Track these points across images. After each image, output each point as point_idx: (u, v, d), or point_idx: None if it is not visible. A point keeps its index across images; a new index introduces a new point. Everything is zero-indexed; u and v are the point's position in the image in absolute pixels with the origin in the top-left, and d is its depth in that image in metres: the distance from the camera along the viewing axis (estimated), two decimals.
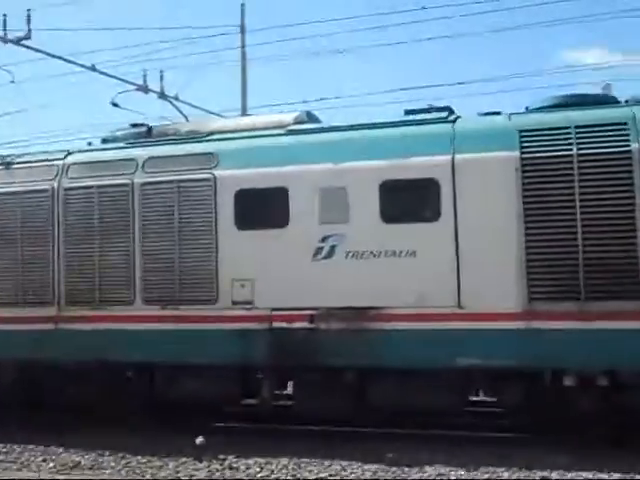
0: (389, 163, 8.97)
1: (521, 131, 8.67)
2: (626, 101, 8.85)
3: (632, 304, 8.11)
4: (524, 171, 8.48)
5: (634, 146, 8.19)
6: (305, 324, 9.11)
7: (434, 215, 8.78)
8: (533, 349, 8.35)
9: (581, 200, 8.28)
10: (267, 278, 9.26)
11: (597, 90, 10.14)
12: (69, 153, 10.77)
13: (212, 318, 9.44)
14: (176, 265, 9.64)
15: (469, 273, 8.58)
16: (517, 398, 8.73)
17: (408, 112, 9.92)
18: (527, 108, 9.42)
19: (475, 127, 9.07)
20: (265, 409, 9.80)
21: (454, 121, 9.13)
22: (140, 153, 10.15)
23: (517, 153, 8.53)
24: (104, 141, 11.14)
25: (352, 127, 9.54)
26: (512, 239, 8.45)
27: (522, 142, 8.59)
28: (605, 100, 9.25)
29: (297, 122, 10.06)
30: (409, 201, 8.97)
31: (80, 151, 10.90)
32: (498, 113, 9.37)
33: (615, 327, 8.14)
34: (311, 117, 10.50)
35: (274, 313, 9.21)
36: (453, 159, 8.74)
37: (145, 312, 9.74)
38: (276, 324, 9.19)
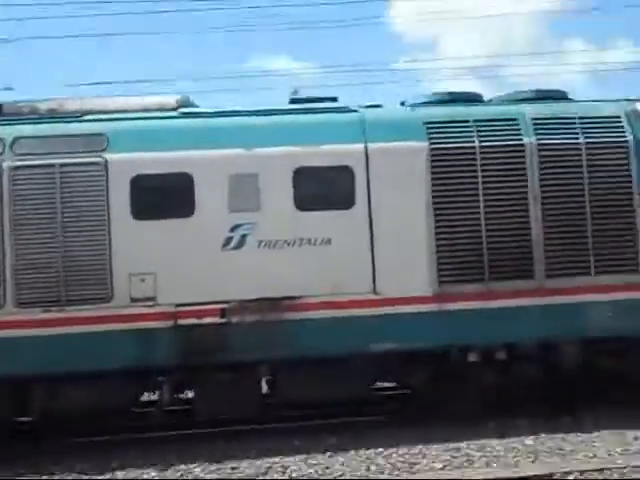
0: (303, 150, 8.82)
1: (427, 123, 9.09)
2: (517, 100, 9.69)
3: (527, 283, 8.99)
4: (432, 161, 8.92)
5: (526, 140, 9.05)
6: (215, 319, 8.57)
7: (349, 203, 8.83)
8: (444, 330, 8.83)
9: (483, 189, 8.95)
10: (171, 271, 8.51)
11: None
12: None
13: (106, 318, 8.45)
14: (59, 260, 8.44)
15: (383, 259, 8.78)
16: (425, 379, 9.16)
17: (294, 101, 9.85)
18: (403, 103, 9.86)
19: (385, 117, 9.29)
20: (160, 415, 9.08)
21: (365, 110, 9.26)
22: (7, 132, 8.68)
23: (426, 144, 8.95)
24: None
25: (263, 112, 9.18)
26: (423, 226, 8.84)
27: (429, 133, 9.02)
28: (475, 98, 10.08)
29: (181, 105, 9.38)
30: (324, 188, 8.89)
31: None
32: (379, 105, 9.69)
33: (513, 304, 8.95)
34: (190, 101, 9.84)
35: (180, 309, 8.50)
36: (366, 147, 8.88)
37: (19, 317, 8.39)
38: (182, 321, 8.51)
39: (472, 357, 9.02)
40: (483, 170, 8.94)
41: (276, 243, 8.66)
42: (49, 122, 8.82)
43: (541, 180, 9.01)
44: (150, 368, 8.64)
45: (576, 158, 9.11)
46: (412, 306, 8.77)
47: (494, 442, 8.13)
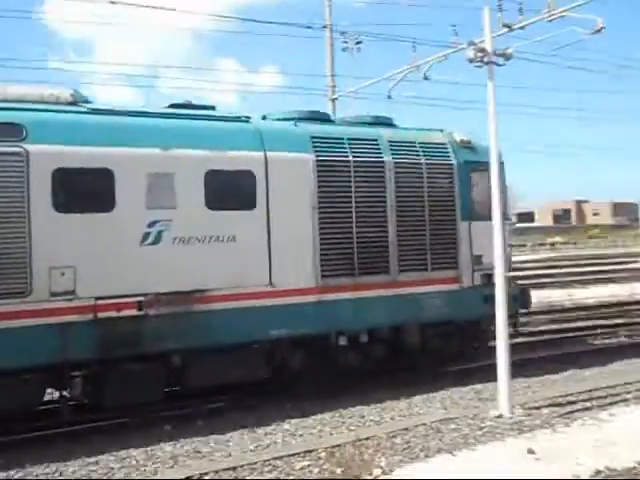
0: (213, 154, 9.59)
1: (313, 137, 10.52)
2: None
3: (384, 277, 10.92)
4: (318, 171, 10.36)
5: (385, 157, 10.97)
6: (133, 311, 8.95)
7: (251, 204, 9.87)
8: (325, 317, 10.34)
9: (355, 197, 10.64)
10: (91, 265, 8.70)
11: None
12: None
13: (24, 313, 8.27)
14: None
15: (278, 256, 10.02)
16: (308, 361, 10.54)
17: (173, 105, 10.36)
18: (264, 117, 11.16)
19: (278, 130, 10.45)
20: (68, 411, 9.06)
21: (260, 122, 10.35)
22: None
23: (313, 155, 10.37)
24: None
25: (177, 115, 9.72)
26: (309, 227, 10.34)
27: (315, 147, 10.44)
28: (326, 117, 11.85)
29: (75, 99, 9.37)
30: (230, 190, 9.72)
31: None
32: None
33: (374, 295, 10.81)
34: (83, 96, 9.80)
35: (99, 302, 8.72)
36: (265, 155, 9.97)
37: None
38: (102, 314, 8.73)
39: (342, 341, 10.68)
40: (355, 181, 10.63)
41: (189, 239, 9.34)
42: None
43: (396, 192, 11.03)
44: (69, 362, 8.69)
45: (419, 175, 11.32)
46: (300, 297, 10.13)
47: (134, 452, 8.30)
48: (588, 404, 9.88)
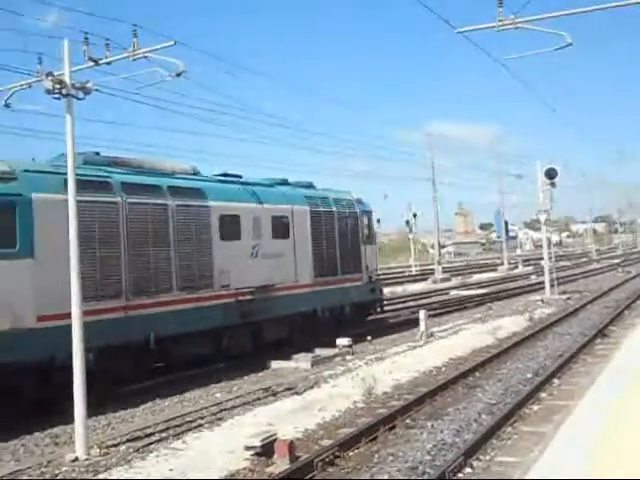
0: (274, 206, 17.58)
1: (306, 197, 18.80)
2: None
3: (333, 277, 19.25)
4: (311, 216, 18.62)
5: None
6: (250, 297, 15.74)
7: (287, 235, 17.59)
8: (315, 300, 18.48)
9: (322, 232, 19.11)
10: (234, 270, 15.49)
11: None
12: None
13: (211, 297, 14.82)
14: None
15: (298, 264, 17.97)
16: None
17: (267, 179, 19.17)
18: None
19: (294, 193, 19.04)
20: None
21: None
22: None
23: (308, 207, 18.60)
24: None
25: (262, 184, 18.28)
26: (309, 248, 18.33)
27: (309, 202, 18.79)
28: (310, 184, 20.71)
29: (195, 171, 16.34)
30: (279, 228, 17.48)
31: None
32: None
33: (331, 287, 19.07)
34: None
35: (238, 291, 15.25)
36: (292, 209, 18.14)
37: None
38: (239, 297, 15.42)
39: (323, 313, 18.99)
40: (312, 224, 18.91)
41: (266, 255, 16.72)
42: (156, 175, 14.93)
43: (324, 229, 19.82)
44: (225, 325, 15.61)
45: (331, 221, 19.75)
46: (306, 289, 18.17)
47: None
48: (164, 434, 10.28)
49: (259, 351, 16.33)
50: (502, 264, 58.52)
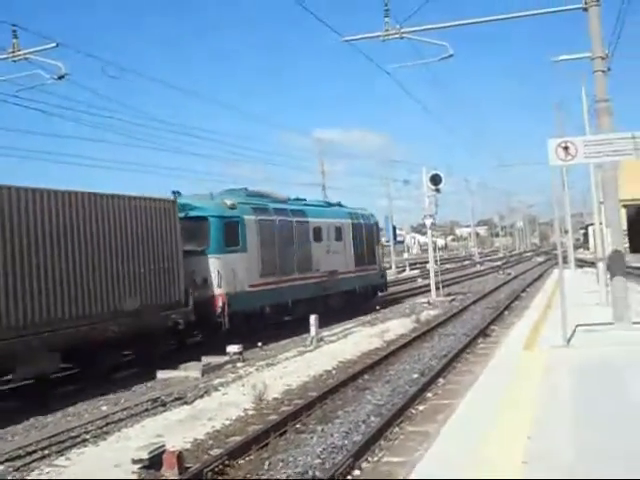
0: (336, 220, 27.26)
1: (349, 213, 29.01)
2: None
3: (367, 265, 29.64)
4: (352, 226, 28.54)
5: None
6: (327, 277, 24.85)
7: (340, 239, 26.90)
8: (357, 282, 28.26)
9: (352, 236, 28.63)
10: (322, 260, 24.60)
11: None
12: None
13: (311, 278, 24.02)
14: None
15: (350, 258, 27.62)
16: None
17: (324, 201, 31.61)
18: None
19: (345, 210, 29.32)
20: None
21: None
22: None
23: (350, 221, 28.48)
24: None
25: (323, 205, 29.79)
26: (351, 247, 28.15)
27: (350, 217, 28.87)
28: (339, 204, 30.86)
29: (286, 198, 25.69)
30: (338, 234, 26.76)
31: None
32: None
33: (363, 273, 29.05)
34: None
35: (321, 273, 24.41)
36: (343, 221, 28.12)
37: None
38: (322, 278, 24.46)
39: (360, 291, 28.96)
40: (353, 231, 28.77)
41: (333, 252, 25.97)
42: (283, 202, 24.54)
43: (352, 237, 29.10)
44: (314, 296, 24.69)
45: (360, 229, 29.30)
46: (352, 274, 27.66)
47: None
48: (47, 451, 9.85)
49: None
50: (390, 268, 60.02)
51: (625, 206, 60.32)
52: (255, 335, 18.99)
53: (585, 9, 14.63)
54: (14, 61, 18.59)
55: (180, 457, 8.37)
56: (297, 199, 26.25)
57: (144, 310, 15.73)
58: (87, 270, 14.16)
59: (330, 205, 29.30)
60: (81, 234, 14.09)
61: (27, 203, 12.85)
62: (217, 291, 18.66)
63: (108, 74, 19.78)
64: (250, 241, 20.20)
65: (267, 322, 21.14)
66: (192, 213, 18.81)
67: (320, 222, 25.27)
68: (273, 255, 21.48)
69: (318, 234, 24.88)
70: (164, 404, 12.55)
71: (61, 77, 18.59)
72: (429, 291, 31.90)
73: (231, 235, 19.60)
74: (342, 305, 26.24)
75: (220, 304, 18.41)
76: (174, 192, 18.11)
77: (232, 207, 20.00)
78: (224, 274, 18.85)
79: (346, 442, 9.34)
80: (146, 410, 12.18)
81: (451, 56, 17.25)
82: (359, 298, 28.09)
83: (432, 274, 32.20)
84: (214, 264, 18.74)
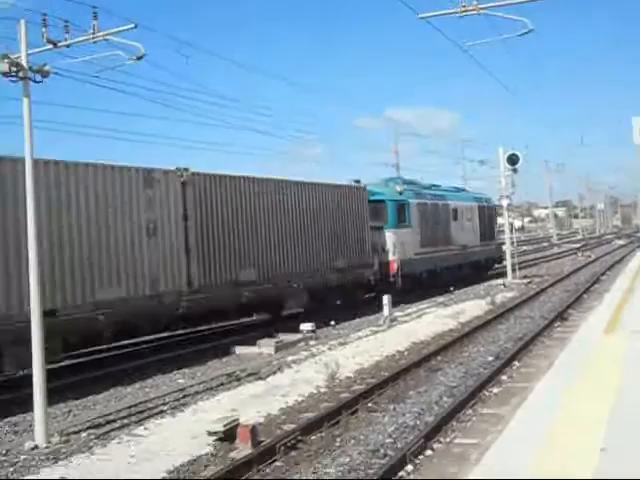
0: (466, 203, 33.06)
1: (476, 197, 35.17)
2: None
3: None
4: (479, 208, 34.28)
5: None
6: (457, 251, 29.95)
7: (472, 219, 32.61)
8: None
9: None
10: (434, 236, 28.24)
11: None
12: None
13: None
14: None
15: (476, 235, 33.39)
16: None
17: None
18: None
19: (473, 194, 36.43)
20: None
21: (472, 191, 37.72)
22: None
23: (476, 204, 34.09)
24: None
25: (456, 189, 35.45)
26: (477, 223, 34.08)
27: (477, 199, 34.95)
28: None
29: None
30: (465, 214, 31.68)
31: None
32: None
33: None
34: None
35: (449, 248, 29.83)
36: (473, 205, 34.02)
37: None
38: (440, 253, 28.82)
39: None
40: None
41: (462, 228, 31.09)
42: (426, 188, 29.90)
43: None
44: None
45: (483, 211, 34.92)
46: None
47: None
48: (126, 421, 10.24)
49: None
50: None
51: None
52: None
53: None
54: (94, 42, 19.05)
55: (254, 431, 8.52)
56: (434, 185, 31.47)
57: (348, 268, 21.75)
58: (317, 240, 20.42)
59: (459, 190, 34.93)
60: (312, 215, 20.30)
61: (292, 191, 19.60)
62: (392, 257, 24.20)
63: (183, 54, 19.98)
64: (413, 219, 26.02)
65: (420, 284, 25.96)
66: (373, 197, 24.24)
67: (457, 204, 30.92)
68: (428, 231, 27.09)
69: (455, 215, 30.39)
70: (239, 379, 12.80)
71: (139, 58, 18.94)
72: (505, 273, 31.31)
73: (401, 214, 25.35)
74: (471, 273, 31.39)
75: (395, 267, 24.11)
76: (356, 180, 23.63)
77: (401, 192, 25.71)
78: (397, 244, 24.47)
79: (418, 422, 9.32)
80: (221, 384, 12.46)
81: (531, 31, 16.72)
82: (483, 268, 33.72)
83: (508, 255, 31.55)
84: (390, 237, 24.49)
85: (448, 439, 8.64)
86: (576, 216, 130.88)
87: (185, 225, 15.40)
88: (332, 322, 18.92)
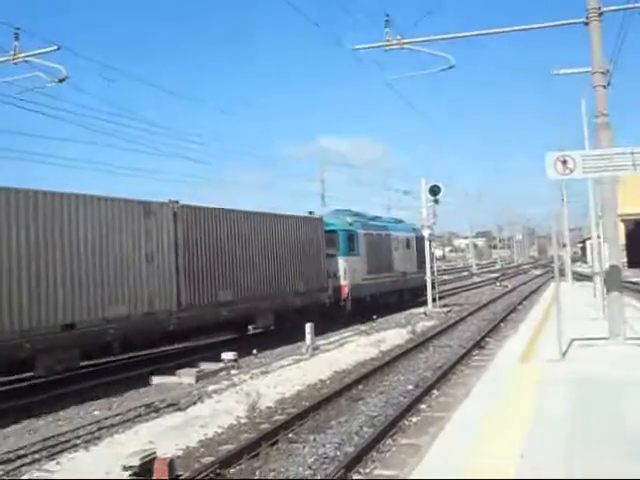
0: (402, 234, 35.58)
1: (413, 228, 37.37)
2: None
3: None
4: (416, 239, 36.32)
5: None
6: (401, 276, 32.98)
7: (409, 247, 35.40)
8: (399, 284, 34.11)
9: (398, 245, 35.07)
10: (396, 262, 32.92)
11: None
12: None
13: (391, 278, 32.64)
14: None
15: (407, 262, 35.47)
16: None
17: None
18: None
19: (409, 225, 38.75)
20: None
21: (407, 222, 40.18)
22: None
23: (414, 234, 36.52)
24: None
25: (393, 221, 38.30)
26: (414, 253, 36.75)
27: (413, 230, 36.90)
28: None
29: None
30: (405, 244, 34.99)
31: None
32: None
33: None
34: None
35: (401, 273, 33.20)
36: (410, 235, 36.47)
37: None
38: (397, 276, 31.96)
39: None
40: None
41: (399, 258, 33.61)
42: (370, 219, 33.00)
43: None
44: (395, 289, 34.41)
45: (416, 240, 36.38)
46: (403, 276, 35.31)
47: None
48: (37, 456, 9.83)
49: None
50: None
51: (624, 220, 60.42)
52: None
53: (586, 23, 14.63)
54: (15, 63, 18.63)
55: (171, 465, 8.32)
56: (376, 217, 34.81)
57: (308, 292, 24.22)
58: (282, 266, 22.77)
59: (398, 222, 37.69)
60: (278, 243, 22.67)
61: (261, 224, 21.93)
62: (343, 282, 26.72)
63: (105, 78, 19.71)
64: (361, 248, 28.64)
65: (366, 308, 27.84)
66: (327, 228, 26.40)
67: (397, 235, 33.98)
68: (373, 259, 29.62)
69: (397, 244, 33.48)
70: (157, 410, 12.51)
71: (62, 80, 18.63)
72: (425, 302, 31.86)
73: (351, 243, 27.94)
74: (409, 298, 34.67)
75: (346, 291, 26.64)
76: (310, 212, 26.22)
77: (350, 224, 28.53)
78: (348, 271, 27.01)
79: (338, 453, 9.31)
80: (139, 416, 12.15)
81: (452, 67, 17.29)
82: (419, 292, 35.45)
83: (429, 285, 32.21)
84: (342, 264, 26.95)
85: (368, 469, 8.66)
86: (495, 246, 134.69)
87: (175, 252, 17.45)
88: (254, 351, 18.78)
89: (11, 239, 12.94)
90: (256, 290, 20.88)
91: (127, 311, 15.60)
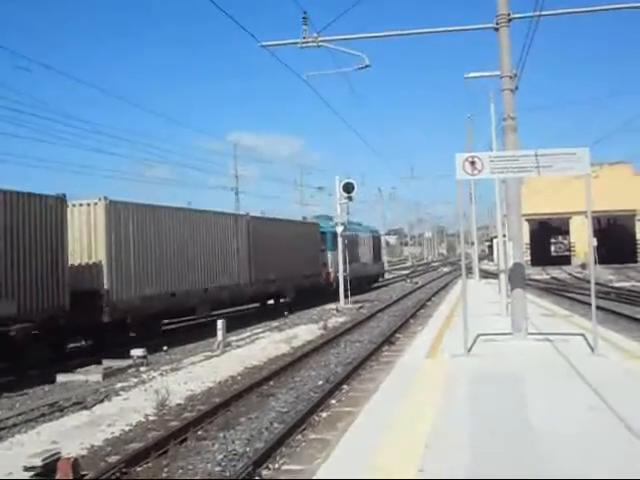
0: (365, 235, 48.52)
1: (371, 230, 52.06)
2: None
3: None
4: (372, 238, 50.32)
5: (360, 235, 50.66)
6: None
7: (364, 245, 46.16)
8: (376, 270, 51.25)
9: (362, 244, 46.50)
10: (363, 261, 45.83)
11: None
12: None
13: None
14: None
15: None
16: None
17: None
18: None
19: (368, 227, 54.10)
20: None
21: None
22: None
23: (370, 235, 50.03)
24: None
25: (356, 225, 49.10)
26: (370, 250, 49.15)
27: (371, 232, 51.76)
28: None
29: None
30: (365, 244, 46.43)
31: None
32: None
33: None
34: None
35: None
36: (365, 236, 48.29)
37: None
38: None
39: None
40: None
41: (362, 258, 45.23)
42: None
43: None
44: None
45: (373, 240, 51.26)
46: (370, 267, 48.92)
47: None
48: None
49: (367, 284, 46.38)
50: None
51: (528, 220, 62.71)
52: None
53: (496, 29, 15.10)
54: None
55: (75, 465, 8.12)
56: (348, 222, 42.77)
57: (311, 275, 34.62)
58: (297, 256, 32.32)
59: (360, 225, 49.24)
60: (296, 239, 33.04)
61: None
62: (330, 270, 37.23)
63: (18, 65, 19.05)
64: (340, 245, 33.87)
65: (350, 287, 34.09)
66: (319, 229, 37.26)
67: (360, 235, 45.29)
68: (347, 253, 34.70)
69: (361, 242, 44.48)
70: (62, 409, 12.17)
71: None
72: (337, 298, 32.19)
73: (334, 242, 35.42)
74: (368, 283, 46.57)
75: (332, 276, 36.69)
76: (304, 217, 40.59)
77: (333, 226, 35.36)
78: (332, 261, 36.86)
79: (247, 449, 9.31)
80: (42, 415, 11.79)
81: (368, 66, 17.53)
82: (374, 279, 49.74)
83: (341, 281, 32.54)
84: (329, 256, 37.46)
85: (277, 465, 8.70)
86: (406, 244, 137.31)
87: (248, 248, 27.37)
88: (165, 347, 18.51)
89: (185, 239, 22.68)
90: (286, 272, 30.36)
91: (229, 282, 25.44)
